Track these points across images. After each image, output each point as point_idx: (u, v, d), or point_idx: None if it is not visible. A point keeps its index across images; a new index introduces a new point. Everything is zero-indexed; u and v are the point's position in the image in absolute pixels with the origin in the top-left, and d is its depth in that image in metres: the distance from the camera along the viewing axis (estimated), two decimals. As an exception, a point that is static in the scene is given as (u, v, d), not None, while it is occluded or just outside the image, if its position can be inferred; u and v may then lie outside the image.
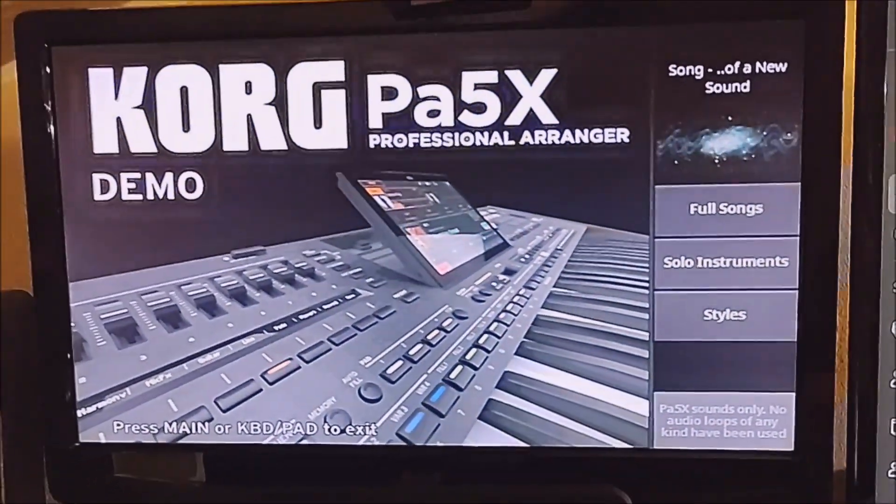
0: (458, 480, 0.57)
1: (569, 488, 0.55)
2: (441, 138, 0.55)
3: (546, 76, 0.54)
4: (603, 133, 0.54)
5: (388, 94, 0.55)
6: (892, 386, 0.54)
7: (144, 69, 0.57)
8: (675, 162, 0.54)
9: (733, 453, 0.56)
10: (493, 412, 0.57)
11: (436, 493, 0.57)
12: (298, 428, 0.58)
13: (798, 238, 0.54)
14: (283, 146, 0.56)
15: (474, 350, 0.57)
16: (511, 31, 0.54)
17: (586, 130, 0.54)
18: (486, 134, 0.55)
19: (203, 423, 0.59)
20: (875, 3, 0.51)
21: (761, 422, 0.56)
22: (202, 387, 0.58)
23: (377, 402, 0.57)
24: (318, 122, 0.56)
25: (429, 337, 0.57)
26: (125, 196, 0.58)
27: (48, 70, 0.57)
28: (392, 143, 0.56)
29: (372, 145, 0.56)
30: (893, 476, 0.54)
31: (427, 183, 0.56)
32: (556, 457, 0.56)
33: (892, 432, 0.54)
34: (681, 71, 0.53)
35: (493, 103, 0.55)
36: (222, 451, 0.59)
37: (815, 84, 0.53)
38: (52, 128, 0.57)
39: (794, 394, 0.55)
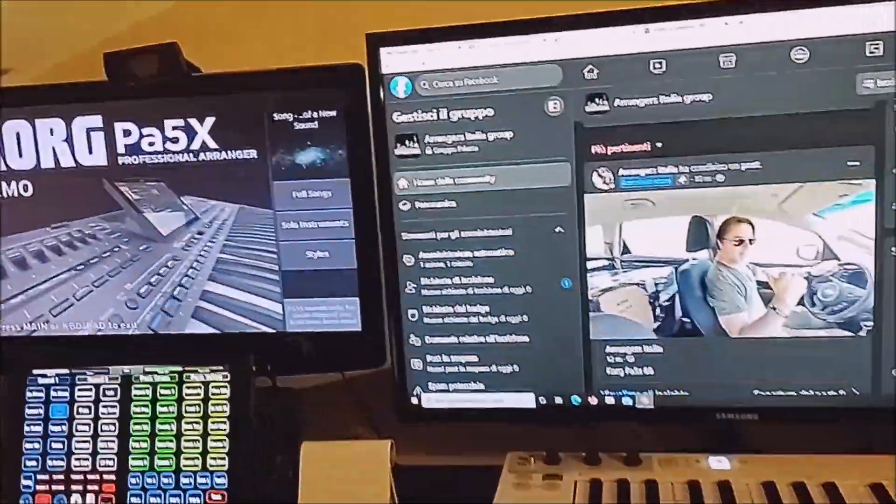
0: (182, 351, 0.99)
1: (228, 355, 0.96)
2: (157, 158, 0.97)
3: (209, 121, 0.96)
4: (243, 153, 0.96)
5: (126, 133, 0.97)
6: (408, 291, 0.94)
7: (-5, 122, 1.00)
8: (283, 168, 0.95)
9: (330, 333, 0.98)
10: (199, 314, 1.00)
11: (169, 357, 0.99)
12: (95, 325, 1.02)
13: (352, 209, 0.95)
14: (73, 164, 0.99)
15: (186, 278, 0.99)
16: (189, 96, 0.96)
17: (233, 151, 0.96)
18: (180, 155, 0.97)
19: (44, 323, 1.03)
20: (380, 80, 0.90)
21: (344, 314, 0.97)
22: (41, 303, 1.02)
23: (136, 309, 1.01)
24: (90, 150, 0.98)
25: (160, 271, 1.00)
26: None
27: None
28: (131, 161, 0.98)
29: (120, 163, 0.98)
30: (414, 344, 0.95)
31: (152, 183, 0.98)
32: (233, 336, 0.99)
33: (411, 319, 0.95)
34: (280, 116, 0.94)
35: (183, 137, 0.96)
36: (56, 339, 1.03)
37: (353, 122, 0.93)
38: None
39: (358, 298, 0.96)
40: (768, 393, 0.88)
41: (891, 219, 0.82)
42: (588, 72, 0.86)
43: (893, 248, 0.83)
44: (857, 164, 0.82)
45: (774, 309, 0.86)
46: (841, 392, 0.86)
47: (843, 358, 0.85)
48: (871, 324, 0.84)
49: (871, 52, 0.80)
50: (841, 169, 0.82)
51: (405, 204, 0.92)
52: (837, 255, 0.84)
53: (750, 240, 0.85)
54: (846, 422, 0.89)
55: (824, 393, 0.87)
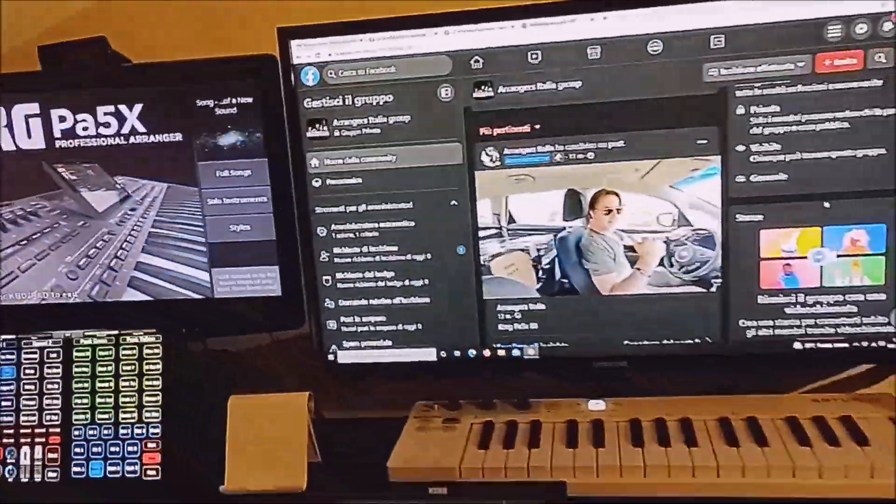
0: (120, 316, 1.10)
1: (161, 320, 1.07)
2: (90, 141, 1.07)
3: (138, 108, 1.05)
4: (170, 136, 1.05)
5: (62, 119, 1.06)
6: (322, 260, 1.05)
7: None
8: (207, 150, 1.05)
9: (255, 298, 1.08)
10: (134, 283, 1.10)
11: (107, 322, 1.09)
12: (39, 295, 1.12)
13: (270, 186, 1.05)
14: (14, 148, 1.08)
15: (121, 251, 1.09)
16: (118, 85, 1.05)
17: (161, 134, 1.05)
18: (111, 138, 1.06)
19: (-9, 295, 1.12)
20: (291, 69, 1.01)
21: (265, 280, 1.08)
22: (-12, 276, 1.12)
23: (76, 280, 1.11)
24: (29, 135, 1.07)
25: (97, 245, 1.09)
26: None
27: None
28: (67, 144, 1.07)
29: (57, 146, 1.07)
30: (328, 307, 1.06)
31: (87, 164, 1.08)
32: (165, 301, 1.09)
33: (325, 284, 1.06)
34: (203, 102, 1.04)
35: (114, 122, 1.06)
36: (3, 308, 1.12)
37: (268, 108, 1.03)
38: None
39: (278, 266, 1.07)
40: (636, 343, 1.01)
41: (734, 190, 0.95)
42: (475, 62, 0.97)
43: (737, 216, 0.95)
44: (706, 142, 0.94)
45: (639, 269, 0.99)
46: (697, 340, 0.99)
47: (698, 311, 0.98)
48: (720, 281, 0.97)
49: (714, 45, 0.92)
50: (692, 147, 0.95)
51: (317, 181, 1.03)
52: (690, 222, 0.96)
53: (617, 209, 0.98)
54: (704, 367, 1.02)
55: (683, 342, 0.99)
